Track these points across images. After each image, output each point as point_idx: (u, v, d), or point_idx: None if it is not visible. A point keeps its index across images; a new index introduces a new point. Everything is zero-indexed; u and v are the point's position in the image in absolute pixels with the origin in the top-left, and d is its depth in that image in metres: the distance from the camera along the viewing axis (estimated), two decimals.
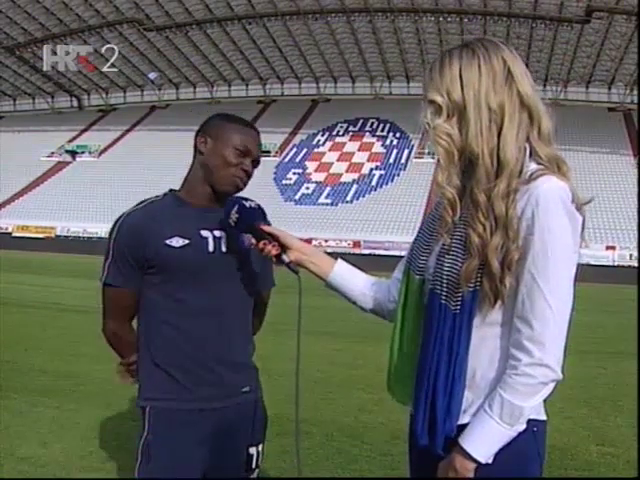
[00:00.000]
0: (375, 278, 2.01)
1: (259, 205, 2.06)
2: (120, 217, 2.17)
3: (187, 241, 2.10)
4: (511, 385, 1.57)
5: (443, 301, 1.64)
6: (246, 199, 2.06)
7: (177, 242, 2.09)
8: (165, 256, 2.09)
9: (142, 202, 2.22)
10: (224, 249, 2.15)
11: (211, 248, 2.13)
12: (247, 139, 2.16)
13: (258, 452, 2.23)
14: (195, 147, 2.20)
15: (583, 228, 1.64)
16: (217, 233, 2.15)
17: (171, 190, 2.25)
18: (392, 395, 1.83)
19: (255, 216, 2.02)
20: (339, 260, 2.00)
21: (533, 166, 1.64)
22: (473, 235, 1.60)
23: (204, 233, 2.14)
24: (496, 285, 1.59)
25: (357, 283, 1.97)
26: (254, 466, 2.22)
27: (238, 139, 2.15)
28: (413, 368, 1.74)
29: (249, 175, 2.18)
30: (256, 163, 2.21)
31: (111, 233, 2.16)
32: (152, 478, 2.07)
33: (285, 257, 1.95)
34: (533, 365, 1.55)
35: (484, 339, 1.65)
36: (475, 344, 1.64)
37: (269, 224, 2.06)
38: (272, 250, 1.95)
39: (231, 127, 2.18)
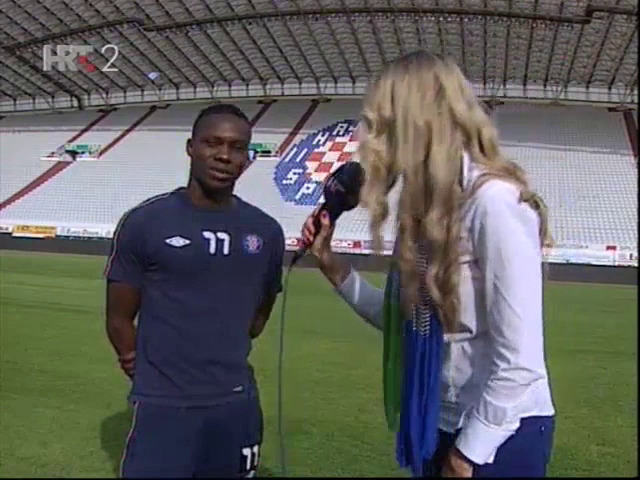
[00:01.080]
0: (380, 290, 1.98)
1: (351, 205, 1.87)
2: (125, 214, 2.19)
3: (188, 241, 2.10)
4: (493, 389, 1.58)
5: (414, 327, 1.66)
6: (357, 181, 1.81)
7: (177, 242, 2.09)
8: (165, 255, 2.08)
9: (148, 200, 2.22)
10: (226, 251, 2.14)
11: (212, 250, 2.12)
12: (216, 127, 2.10)
13: (253, 453, 2.21)
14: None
15: (544, 226, 1.61)
16: (220, 235, 2.14)
17: (180, 189, 2.24)
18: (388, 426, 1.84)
19: (346, 205, 1.87)
20: (354, 271, 1.98)
21: (475, 174, 1.60)
22: (400, 261, 1.60)
23: (207, 234, 2.12)
24: (443, 309, 1.59)
25: (363, 295, 1.96)
26: (249, 467, 2.19)
27: (205, 131, 2.11)
28: (396, 394, 1.78)
29: (228, 162, 2.09)
30: (239, 145, 2.12)
31: (115, 230, 2.17)
32: (135, 475, 2.06)
33: (305, 251, 1.89)
34: (510, 370, 1.56)
35: (466, 350, 1.66)
36: (458, 356, 1.66)
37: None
38: (309, 238, 1.88)
39: (201, 122, 2.15)
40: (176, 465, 2.07)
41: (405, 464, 1.68)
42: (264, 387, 2.33)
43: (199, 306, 2.11)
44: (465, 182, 1.59)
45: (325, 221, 1.86)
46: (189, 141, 2.18)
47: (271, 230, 2.31)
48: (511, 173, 1.61)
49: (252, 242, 2.20)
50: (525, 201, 1.56)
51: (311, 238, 1.88)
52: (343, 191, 1.85)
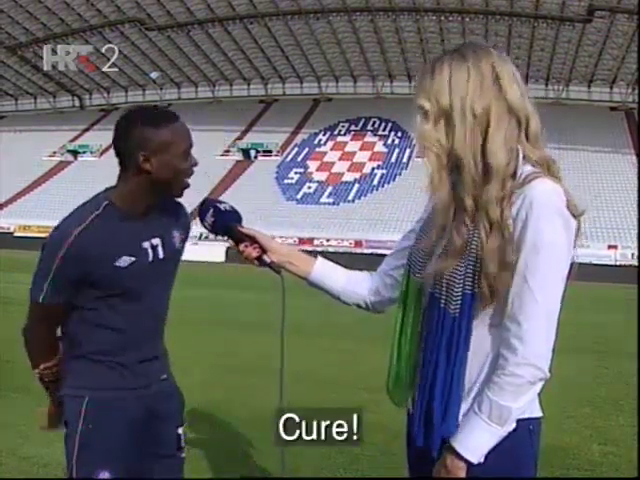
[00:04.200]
0: (357, 272, 2.03)
1: (233, 207, 2.05)
2: (62, 234, 2.04)
3: (133, 258, 2.11)
4: (499, 385, 1.59)
5: (442, 304, 1.66)
6: (220, 202, 2.05)
7: (124, 262, 2.09)
8: (113, 277, 2.09)
9: (84, 214, 2.08)
10: (161, 255, 2.19)
11: (150, 258, 2.17)
12: (184, 138, 2.10)
13: (184, 432, 2.34)
14: (131, 166, 2.07)
15: (579, 230, 1.65)
16: (154, 241, 2.17)
17: (106, 190, 2.15)
18: (390, 398, 1.86)
19: (231, 219, 2.02)
20: (319, 258, 2.02)
21: (527, 169, 1.65)
22: (456, 237, 1.64)
23: (144, 244, 2.15)
24: (492, 286, 1.61)
25: (338, 279, 1.99)
26: (183, 445, 2.33)
27: (180, 143, 2.08)
28: (410, 371, 1.79)
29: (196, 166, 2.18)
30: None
31: (54, 252, 2.04)
32: (90, 467, 2.11)
33: (266, 258, 1.96)
34: (519, 365, 1.57)
35: (482, 341, 1.66)
36: (474, 346, 1.66)
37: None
38: (253, 252, 1.96)
39: (165, 133, 2.05)
40: (129, 451, 2.16)
41: (423, 442, 1.69)
42: (265, 386, 2.33)
43: (140, 310, 2.17)
44: (517, 174, 1.64)
45: (244, 231, 2.00)
46: (141, 155, 2.04)
47: (186, 220, 2.34)
48: (550, 166, 1.67)
49: (176, 238, 2.25)
50: (569, 208, 1.62)
51: (253, 253, 1.97)
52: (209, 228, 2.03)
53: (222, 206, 2.03)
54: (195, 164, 2.15)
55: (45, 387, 2.31)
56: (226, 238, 2.03)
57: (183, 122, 2.15)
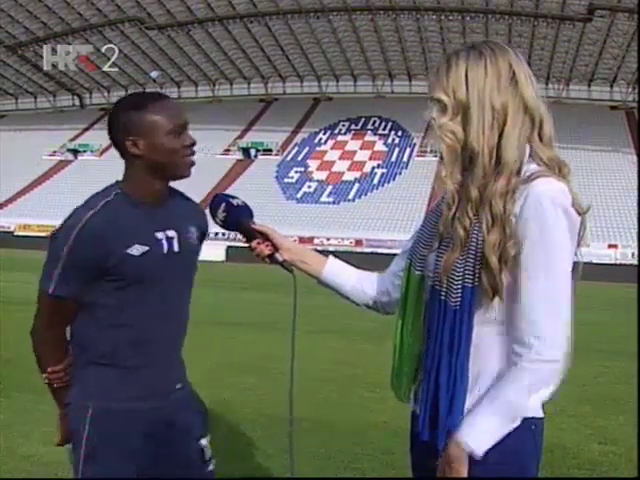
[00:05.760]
0: (367, 273, 2.02)
1: (245, 203, 2.01)
2: (73, 221, 1.97)
3: (147, 248, 2.00)
4: (513, 381, 1.58)
5: (443, 297, 1.66)
6: (232, 197, 2.02)
7: (137, 250, 1.99)
8: (126, 265, 1.98)
9: (94, 201, 2.02)
10: (176, 249, 2.08)
11: (165, 250, 2.06)
12: (173, 116, 2.00)
13: (208, 443, 2.20)
14: (125, 153, 2.02)
15: (583, 229, 1.66)
16: (169, 233, 2.07)
17: (117, 182, 2.09)
18: (394, 392, 1.86)
19: (243, 214, 1.98)
20: (330, 257, 2.01)
21: (533, 167, 1.66)
22: (459, 228, 1.64)
23: (159, 235, 2.05)
24: (495, 280, 1.60)
25: (349, 279, 1.98)
26: (208, 457, 2.18)
27: (166, 122, 1.98)
28: (413, 365, 1.79)
29: (195, 144, 2.05)
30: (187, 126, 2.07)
31: (63, 238, 1.96)
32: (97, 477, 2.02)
33: (278, 256, 1.94)
34: (534, 361, 1.56)
35: (484, 337, 1.66)
36: (477, 341, 1.65)
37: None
38: (265, 250, 1.94)
39: (149, 114, 1.98)
40: (137, 466, 2.04)
41: (428, 436, 1.68)
42: (267, 386, 2.33)
43: (151, 308, 2.05)
44: (522, 171, 1.65)
45: (257, 228, 1.97)
46: (128, 139, 1.99)
47: (201, 216, 2.25)
48: (561, 168, 1.68)
49: (193, 234, 2.14)
50: (573, 206, 1.63)
51: (266, 250, 1.95)
52: (220, 224, 2.00)
53: (234, 201, 1.99)
54: (192, 143, 2.03)
55: (53, 395, 2.14)
56: (237, 234, 1.99)
57: (171, 100, 2.07)
